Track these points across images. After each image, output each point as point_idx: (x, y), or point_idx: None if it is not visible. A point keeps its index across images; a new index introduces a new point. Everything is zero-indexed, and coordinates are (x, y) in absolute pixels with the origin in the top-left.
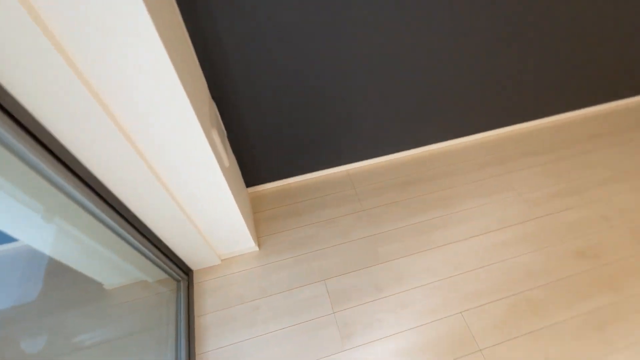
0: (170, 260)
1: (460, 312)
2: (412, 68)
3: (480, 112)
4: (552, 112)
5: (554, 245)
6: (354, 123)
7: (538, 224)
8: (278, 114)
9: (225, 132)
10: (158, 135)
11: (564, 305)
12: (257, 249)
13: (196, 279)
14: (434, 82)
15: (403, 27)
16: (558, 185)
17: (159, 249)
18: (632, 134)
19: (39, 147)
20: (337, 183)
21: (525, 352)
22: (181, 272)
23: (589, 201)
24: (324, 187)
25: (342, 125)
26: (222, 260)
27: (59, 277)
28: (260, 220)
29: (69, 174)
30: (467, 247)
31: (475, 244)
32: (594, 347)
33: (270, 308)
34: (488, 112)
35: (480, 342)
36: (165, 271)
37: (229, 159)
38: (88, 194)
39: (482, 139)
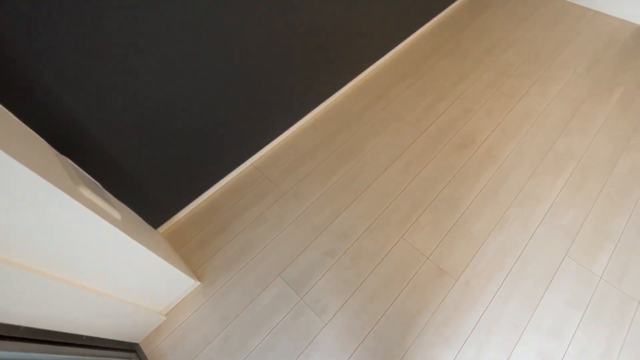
0: (106, 348)
1: (402, 237)
2: (264, 51)
3: (344, 62)
4: (398, 40)
5: (441, 147)
6: (234, 120)
7: (425, 137)
8: (151, 144)
9: (98, 184)
10: (13, 221)
11: (467, 190)
12: (198, 282)
13: (147, 349)
14: (291, 49)
15: (235, 12)
16: (427, 99)
17: (86, 346)
18: (457, 38)
19: None
20: (248, 180)
21: (459, 241)
22: (125, 352)
23: (451, 102)
24: (237, 189)
25: (225, 126)
26: (166, 315)
27: None
28: (188, 253)
29: None
30: (384, 181)
31: (389, 175)
32: (495, 210)
33: (241, 330)
34: (351, 61)
35: (425, 252)
36: None
37: (119, 210)
38: None
39: (356, 83)
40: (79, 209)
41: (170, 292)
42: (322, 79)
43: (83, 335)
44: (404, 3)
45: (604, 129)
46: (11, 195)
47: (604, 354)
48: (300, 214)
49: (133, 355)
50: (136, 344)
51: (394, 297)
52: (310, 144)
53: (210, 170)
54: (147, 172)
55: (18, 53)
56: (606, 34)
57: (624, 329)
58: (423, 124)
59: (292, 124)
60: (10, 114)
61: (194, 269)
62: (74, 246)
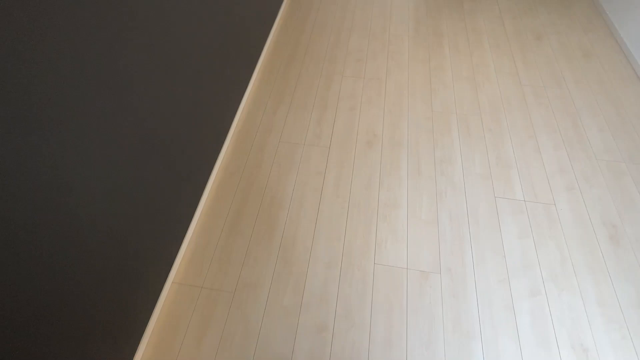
0: None
1: (374, 264)
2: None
3: (215, 116)
4: (252, 69)
5: (354, 154)
6: (127, 244)
7: (334, 151)
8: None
9: None
10: None
11: (397, 182)
12: None
13: None
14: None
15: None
16: (312, 113)
17: None
18: (302, 44)
19: None
20: (181, 304)
21: (420, 235)
22: None
23: (335, 106)
24: (175, 322)
25: (116, 259)
26: None
27: None
28: None
29: None
30: (326, 217)
31: (327, 208)
32: (428, 189)
33: None
34: (221, 113)
35: (401, 264)
36: None
37: None
38: None
39: (235, 131)
40: None
41: None
42: (205, 140)
43: None
44: (239, 34)
45: (454, 76)
46: None
47: (561, 260)
48: (266, 305)
49: None
50: None
51: (404, 327)
52: (227, 219)
53: (128, 319)
54: None
55: None
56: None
57: (559, 231)
58: (325, 139)
59: (196, 206)
60: None
61: None
62: None
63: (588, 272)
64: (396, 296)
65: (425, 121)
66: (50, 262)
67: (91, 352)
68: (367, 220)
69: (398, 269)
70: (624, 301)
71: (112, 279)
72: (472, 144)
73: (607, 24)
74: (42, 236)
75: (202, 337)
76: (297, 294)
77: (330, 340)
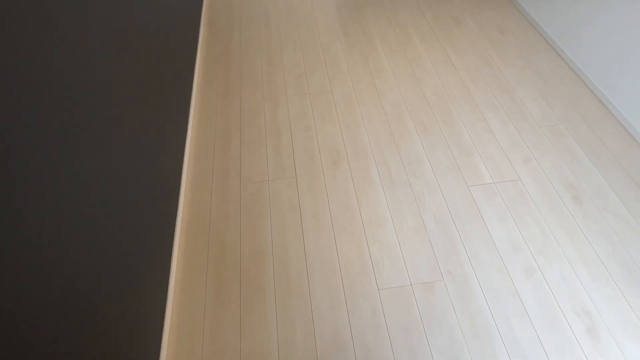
0: None
1: (378, 289)
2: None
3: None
4: (187, 106)
5: (323, 177)
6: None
7: (302, 178)
8: None
9: None
10: None
11: (375, 198)
12: None
13: None
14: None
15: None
16: (268, 143)
17: None
18: (233, 70)
19: None
20: None
21: (413, 245)
22: None
23: (288, 130)
24: None
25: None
26: None
27: None
28: None
29: None
30: (315, 255)
31: (313, 245)
32: (406, 197)
33: None
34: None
35: (403, 282)
36: None
37: None
38: None
39: (188, 184)
40: None
41: None
42: (151, 209)
43: None
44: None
45: (396, 75)
46: None
47: (541, 232)
48: None
49: None
50: None
51: (426, 346)
52: (207, 291)
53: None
54: None
55: None
56: (327, 4)
57: (532, 205)
58: (288, 169)
59: (166, 290)
60: None
61: None
62: None
63: (566, 237)
64: (409, 316)
65: (383, 126)
66: None
67: None
68: (357, 245)
69: (403, 288)
70: (602, 255)
71: None
72: (432, 139)
73: None
74: None
75: None
76: (309, 348)
77: None
